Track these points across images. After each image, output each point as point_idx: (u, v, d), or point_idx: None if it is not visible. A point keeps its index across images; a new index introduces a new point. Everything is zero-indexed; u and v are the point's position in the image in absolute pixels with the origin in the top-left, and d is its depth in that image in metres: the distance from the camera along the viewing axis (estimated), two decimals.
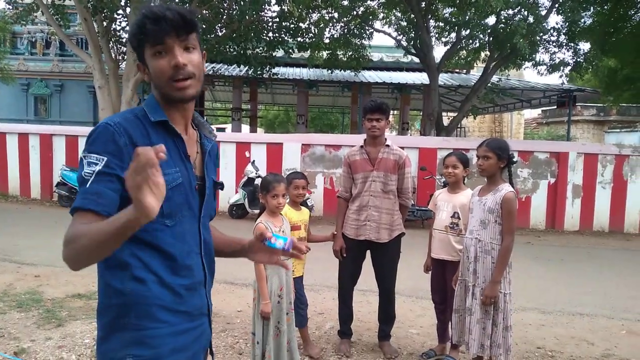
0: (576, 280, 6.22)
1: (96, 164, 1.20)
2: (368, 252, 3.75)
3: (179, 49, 1.29)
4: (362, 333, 4.03)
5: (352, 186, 3.73)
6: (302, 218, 3.48)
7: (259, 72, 14.01)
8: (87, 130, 11.64)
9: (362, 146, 3.72)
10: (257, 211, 3.74)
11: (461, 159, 3.57)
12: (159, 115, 1.33)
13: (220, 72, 17.04)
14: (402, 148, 3.75)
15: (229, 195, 10.17)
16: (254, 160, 9.93)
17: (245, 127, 22.76)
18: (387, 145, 3.65)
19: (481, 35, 12.29)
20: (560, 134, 26.84)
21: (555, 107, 18.89)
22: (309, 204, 8.98)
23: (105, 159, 1.21)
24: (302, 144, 10.30)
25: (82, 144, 10.87)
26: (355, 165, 3.69)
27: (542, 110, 31.75)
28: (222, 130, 24.49)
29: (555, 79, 35.96)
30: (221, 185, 1.62)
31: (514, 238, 2.99)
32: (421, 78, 16.79)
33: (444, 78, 17.02)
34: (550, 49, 12.75)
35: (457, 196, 3.55)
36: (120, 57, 13.13)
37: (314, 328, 4.07)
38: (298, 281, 3.43)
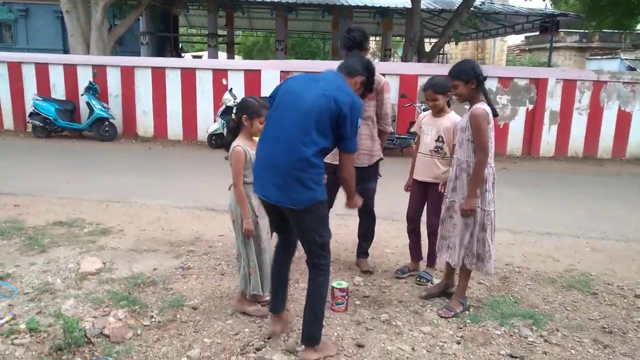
0: (547, 203, 6.45)
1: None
2: None
3: None
4: (340, 253, 4.19)
5: None
6: None
7: None
8: (59, 57, 11.22)
9: None
10: None
11: (437, 90, 3.54)
12: None
13: None
14: (383, 75, 3.71)
15: (207, 124, 10.06)
16: (231, 88, 9.73)
17: (222, 55, 22.09)
18: None
19: None
20: (542, 61, 26.68)
21: (538, 33, 18.64)
22: None
23: None
24: (281, 71, 10.04)
25: (53, 72, 10.52)
26: None
27: (525, 37, 31.35)
28: (199, 57, 23.79)
29: (539, 4, 34.75)
30: None
31: (487, 153, 3.01)
32: (403, 1, 16.29)
33: (426, 2, 16.54)
34: None
35: (440, 120, 3.58)
36: None
37: None
38: None
